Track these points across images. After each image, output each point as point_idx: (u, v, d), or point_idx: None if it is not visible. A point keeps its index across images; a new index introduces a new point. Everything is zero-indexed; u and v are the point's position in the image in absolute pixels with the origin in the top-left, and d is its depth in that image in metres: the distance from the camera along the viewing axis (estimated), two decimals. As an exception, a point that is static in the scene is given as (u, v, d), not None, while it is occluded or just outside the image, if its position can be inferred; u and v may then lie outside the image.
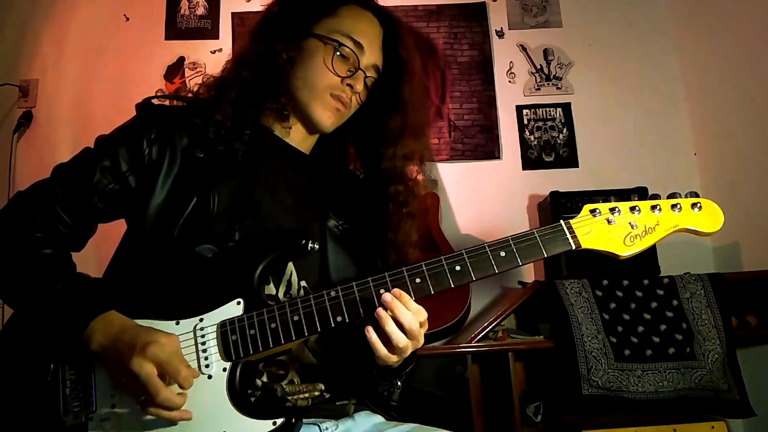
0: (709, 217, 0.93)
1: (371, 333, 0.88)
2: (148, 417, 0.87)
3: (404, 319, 0.87)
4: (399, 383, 1.01)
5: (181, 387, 0.86)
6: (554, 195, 2.32)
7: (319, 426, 1.00)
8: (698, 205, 0.93)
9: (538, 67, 2.94)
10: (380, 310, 0.88)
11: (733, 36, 2.52)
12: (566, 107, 2.88)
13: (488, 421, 2.15)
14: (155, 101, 1.11)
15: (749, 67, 2.41)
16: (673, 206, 0.93)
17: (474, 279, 0.91)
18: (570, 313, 2.01)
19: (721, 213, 0.93)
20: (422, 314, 0.90)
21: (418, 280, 0.91)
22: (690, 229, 0.93)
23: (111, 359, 0.88)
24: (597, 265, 2.14)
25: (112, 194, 1.02)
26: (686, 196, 0.95)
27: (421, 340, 0.92)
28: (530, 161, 2.83)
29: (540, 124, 2.87)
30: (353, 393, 1.09)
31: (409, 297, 0.89)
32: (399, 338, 0.88)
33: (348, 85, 1.11)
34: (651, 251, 2.22)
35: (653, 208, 0.93)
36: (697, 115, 2.83)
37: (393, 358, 0.91)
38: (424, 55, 2.88)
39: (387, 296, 0.88)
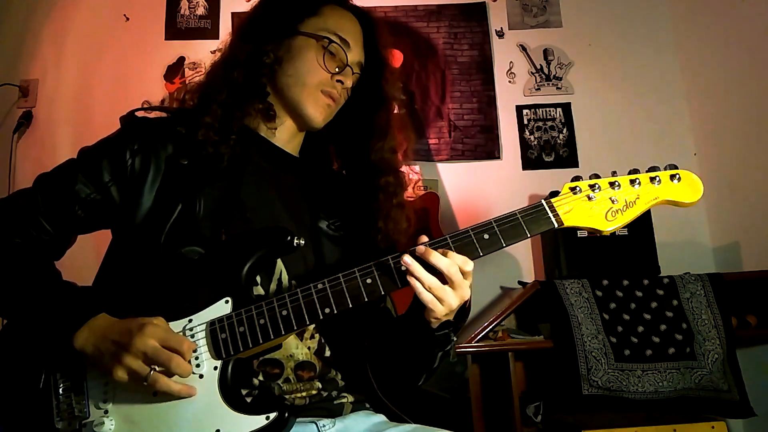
0: (689, 188, 0.93)
1: (416, 284, 0.89)
2: (142, 420, 0.87)
3: (440, 263, 0.88)
4: (454, 337, 1.01)
5: (183, 357, 0.86)
6: (554, 195, 2.32)
7: (316, 424, 1.01)
8: (677, 176, 0.93)
9: (538, 67, 2.94)
10: (406, 256, 0.88)
11: (734, 36, 2.52)
12: (566, 107, 2.88)
13: (488, 421, 2.15)
14: (139, 113, 1.11)
15: (749, 67, 2.41)
16: (652, 179, 0.93)
17: None
18: (570, 313, 2.01)
19: (701, 183, 0.93)
20: (467, 264, 0.90)
21: (404, 267, 0.90)
22: (670, 201, 0.93)
23: (104, 352, 0.87)
24: (597, 265, 2.15)
25: (93, 204, 1.03)
26: (666, 169, 0.94)
27: (467, 291, 0.92)
28: (530, 161, 2.83)
29: (540, 124, 2.87)
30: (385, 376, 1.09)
31: (445, 250, 0.89)
32: (434, 284, 0.88)
33: (338, 81, 1.13)
34: (651, 251, 2.23)
35: (632, 182, 0.93)
36: (697, 115, 2.83)
37: (439, 309, 0.90)
38: (422, 56, 2.88)
39: (420, 247, 0.89)
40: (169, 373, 0.86)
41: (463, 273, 0.90)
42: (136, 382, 0.86)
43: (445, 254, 0.89)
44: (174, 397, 0.87)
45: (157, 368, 0.85)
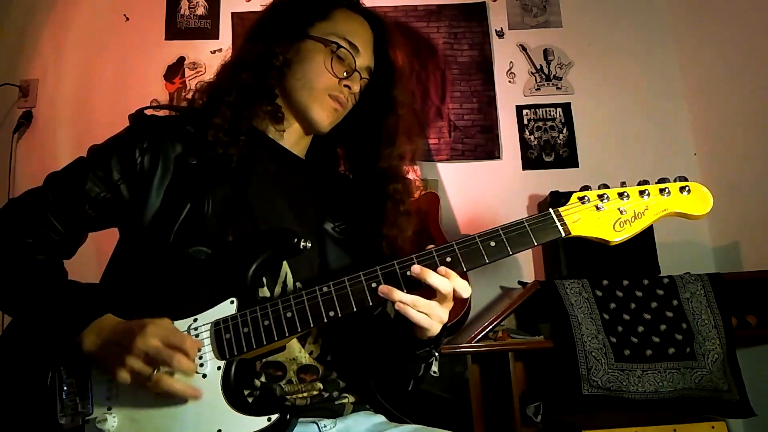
0: (698, 200, 0.93)
1: (409, 309, 0.89)
2: (144, 418, 0.87)
3: (440, 285, 0.88)
4: (436, 353, 1.02)
5: (187, 354, 0.86)
6: (554, 195, 2.32)
7: (317, 424, 1.01)
8: (687, 188, 0.93)
9: (538, 67, 2.94)
10: (383, 286, 0.89)
11: (733, 36, 2.52)
12: (566, 107, 2.88)
13: (488, 421, 2.15)
14: (148, 111, 1.11)
15: (749, 67, 2.41)
16: (662, 191, 0.94)
17: (465, 270, 0.91)
18: (570, 313, 2.01)
19: (710, 195, 0.93)
20: (466, 291, 0.90)
21: (409, 273, 0.90)
22: (679, 213, 0.93)
23: (108, 353, 0.88)
24: (597, 265, 2.15)
25: (103, 203, 1.03)
26: (675, 181, 0.95)
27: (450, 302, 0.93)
28: (530, 161, 2.83)
29: (540, 124, 2.87)
30: (379, 382, 1.10)
31: (447, 270, 0.89)
32: (420, 302, 0.89)
33: (345, 86, 1.13)
34: (651, 251, 2.23)
35: (641, 193, 0.93)
36: (697, 114, 2.83)
37: (434, 326, 0.92)
38: (422, 56, 2.88)
39: (416, 267, 0.89)
40: (172, 372, 0.86)
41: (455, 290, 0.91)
42: (139, 384, 0.86)
43: (447, 276, 0.89)
44: (177, 397, 0.87)
45: (161, 368, 0.85)
